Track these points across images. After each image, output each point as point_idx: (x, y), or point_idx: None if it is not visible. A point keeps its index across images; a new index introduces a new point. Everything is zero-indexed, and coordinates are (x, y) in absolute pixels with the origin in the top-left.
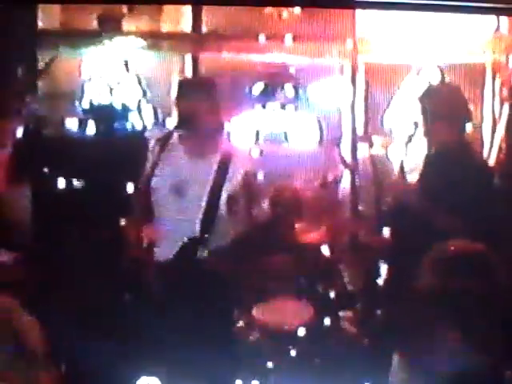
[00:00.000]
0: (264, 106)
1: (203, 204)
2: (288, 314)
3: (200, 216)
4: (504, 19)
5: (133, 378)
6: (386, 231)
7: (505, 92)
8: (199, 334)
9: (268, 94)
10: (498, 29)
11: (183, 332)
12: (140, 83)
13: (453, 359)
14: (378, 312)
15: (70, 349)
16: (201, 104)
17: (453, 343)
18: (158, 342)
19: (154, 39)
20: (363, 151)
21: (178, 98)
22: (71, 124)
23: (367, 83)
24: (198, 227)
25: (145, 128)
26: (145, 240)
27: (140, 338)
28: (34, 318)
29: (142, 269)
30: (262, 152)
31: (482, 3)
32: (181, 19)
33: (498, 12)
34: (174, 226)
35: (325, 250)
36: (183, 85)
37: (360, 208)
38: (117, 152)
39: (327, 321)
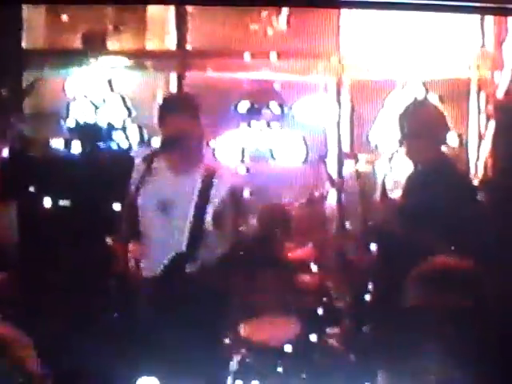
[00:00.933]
0: (249, 124)
1: (189, 220)
2: (275, 330)
3: (186, 232)
4: (489, 35)
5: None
6: (373, 247)
7: (490, 108)
8: (185, 352)
9: (253, 111)
10: (483, 45)
11: (170, 349)
12: (125, 102)
13: (440, 376)
14: (365, 329)
15: (64, 354)
16: (185, 121)
17: (439, 359)
18: (143, 360)
19: (139, 58)
20: (349, 168)
21: (162, 115)
22: (57, 143)
23: (352, 100)
24: (184, 243)
25: (130, 147)
26: (132, 257)
27: (124, 354)
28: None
29: (130, 285)
30: (248, 169)
31: (481, 3)
32: (165, 37)
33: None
34: (161, 242)
35: (312, 267)
36: (167, 102)
37: (347, 225)
38: (102, 171)
39: (314, 337)
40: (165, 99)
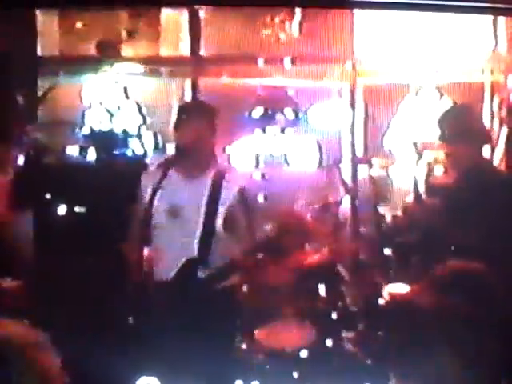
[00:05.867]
0: (264, 130)
1: (201, 225)
2: (290, 336)
3: (198, 237)
4: (503, 39)
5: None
6: (387, 251)
7: (503, 112)
8: (199, 357)
9: (267, 117)
10: (496, 48)
11: (182, 353)
12: (140, 109)
13: (451, 377)
14: (380, 332)
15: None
16: (199, 128)
17: (452, 361)
18: (156, 366)
19: (154, 65)
20: (363, 173)
21: (178, 122)
22: (72, 151)
23: (366, 105)
24: (196, 248)
25: (145, 153)
26: (145, 261)
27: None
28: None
29: (143, 290)
30: (262, 175)
31: (482, 3)
32: (179, 44)
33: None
34: (173, 247)
35: (326, 271)
36: (182, 110)
37: (361, 229)
38: (117, 178)
39: (329, 342)
40: (181, 106)
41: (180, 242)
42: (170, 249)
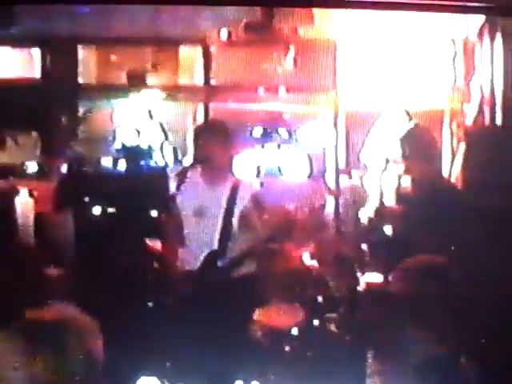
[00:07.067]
0: (263, 146)
1: (220, 223)
2: (283, 316)
3: (218, 233)
4: (460, 74)
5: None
6: (364, 247)
7: (461, 133)
8: (211, 332)
9: (266, 136)
10: (455, 81)
11: (195, 332)
12: (162, 128)
13: (419, 351)
14: (358, 314)
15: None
16: (216, 144)
17: (419, 338)
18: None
19: (173, 91)
20: (344, 182)
21: (197, 137)
22: (106, 162)
23: (346, 126)
24: (216, 242)
25: (166, 164)
26: (173, 254)
27: (148, 339)
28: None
29: (172, 278)
30: (262, 183)
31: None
32: (194, 75)
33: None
34: (197, 241)
35: (314, 263)
36: (202, 127)
37: (342, 228)
38: (143, 184)
39: (316, 322)
40: (200, 124)
41: (203, 238)
42: (195, 243)
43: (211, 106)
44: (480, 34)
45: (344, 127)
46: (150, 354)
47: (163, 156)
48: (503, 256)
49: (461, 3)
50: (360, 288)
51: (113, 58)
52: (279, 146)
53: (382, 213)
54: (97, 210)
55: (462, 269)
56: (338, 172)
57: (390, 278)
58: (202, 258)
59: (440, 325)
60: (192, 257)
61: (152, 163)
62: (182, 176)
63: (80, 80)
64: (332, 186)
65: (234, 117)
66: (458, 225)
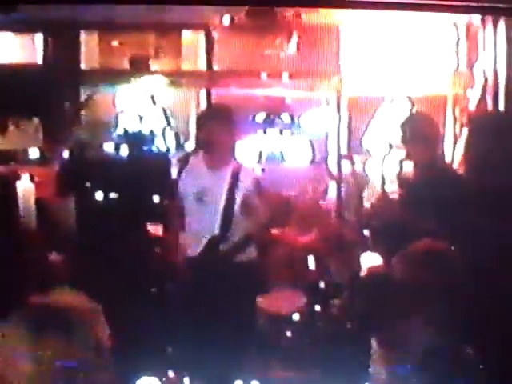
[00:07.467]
0: (265, 132)
1: (222, 208)
2: (285, 302)
3: (219, 218)
4: (463, 59)
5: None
6: (366, 232)
7: (464, 118)
8: (212, 317)
9: (268, 121)
10: (457, 67)
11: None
12: (165, 113)
13: (420, 338)
14: (360, 300)
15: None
16: (218, 127)
17: (420, 324)
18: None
19: (175, 77)
20: (346, 167)
21: (200, 122)
22: (108, 147)
23: (349, 112)
24: (218, 227)
25: (168, 150)
26: (174, 239)
27: (149, 324)
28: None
29: (174, 263)
30: (263, 169)
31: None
32: (197, 60)
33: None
34: (199, 226)
35: (316, 248)
36: (205, 112)
37: (344, 213)
38: (146, 169)
39: (318, 307)
40: (204, 109)
41: (205, 223)
42: (197, 228)
43: (214, 91)
44: (483, 19)
45: (347, 113)
46: (152, 340)
47: (165, 141)
48: (505, 242)
49: (461, 3)
50: (362, 273)
51: (115, 43)
52: (281, 131)
53: (384, 198)
54: (99, 196)
55: (464, 254)
56: (340, 157)
57: (392, 263)
58: (203, 243)
59: (441, 312)
60: (193, 242)
61: (154, 149)
62: (184, 161)
63: (82, 65)
64: (334, 171)
65: (236, 102)
66: (460, 210)
